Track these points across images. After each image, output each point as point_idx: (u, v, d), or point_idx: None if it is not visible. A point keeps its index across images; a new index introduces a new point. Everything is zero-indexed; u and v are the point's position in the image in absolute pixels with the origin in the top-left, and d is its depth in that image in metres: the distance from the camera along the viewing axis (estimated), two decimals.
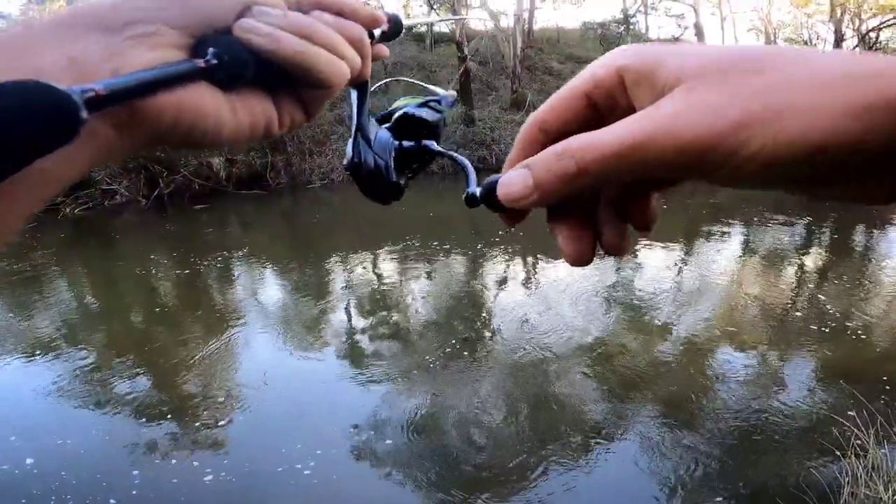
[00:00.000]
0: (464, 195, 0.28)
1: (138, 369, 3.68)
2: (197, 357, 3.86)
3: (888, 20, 15.28)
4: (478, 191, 0.27)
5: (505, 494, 2.47)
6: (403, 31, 0.36)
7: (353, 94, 0.35)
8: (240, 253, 6.50)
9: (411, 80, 0.44)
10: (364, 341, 4.19)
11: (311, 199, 9.81)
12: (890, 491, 1.76)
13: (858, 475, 1.98)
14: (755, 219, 7.46)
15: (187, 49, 0.25)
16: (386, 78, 0.49)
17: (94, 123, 0.20)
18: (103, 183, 9.89)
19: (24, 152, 0.17)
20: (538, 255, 6.06)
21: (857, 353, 3.49)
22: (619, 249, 0.24)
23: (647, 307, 4.64)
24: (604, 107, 0.23)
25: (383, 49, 0.34)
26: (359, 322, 4.59)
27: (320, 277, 5.81)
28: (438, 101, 0.40)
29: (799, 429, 2.90)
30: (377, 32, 0.33)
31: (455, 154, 0.38)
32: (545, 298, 4.85)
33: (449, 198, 8.10)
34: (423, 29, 19.49)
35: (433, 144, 0.38)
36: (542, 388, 3.38)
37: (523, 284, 5.38)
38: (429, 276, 5.58)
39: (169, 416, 3.11)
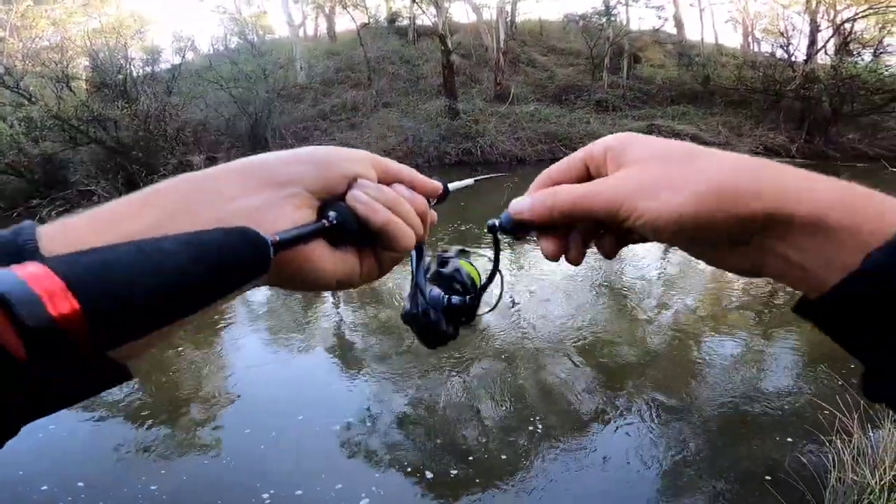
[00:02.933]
0: (488, 224, 0.38)
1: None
2: (186, 358, 3.80)
3: (862, 11, 15.58)
4: (497, 222, 0.37)
5: (499, 485, 2.49)
6: (449, 194, 0.42)
7: (413, 255, 0.42)
8: None
9: (462, 248, 0.52)
10: (355, 337, 4.17)
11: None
12: (877, 476, 1.81)
13: (845, 460, 2.03)
14: None
15: (315, 209, 0.32)
16: None
17: None
18: (80, 184, 9.64)
19: (238, 281, 0.23)
20: (529, 251, 6.08)
21: None
22: (572, 261, 0.36)
23: (634, 297, 4.69)
24: (593, 170, 0.34)
25: (434, 215, 0.40)
26: (349, 318, 4.56)
27: None
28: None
29: (784, 414, 2.97)
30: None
31: (491, 282, 0.46)
32: (535, 292, 4.88)
33: None
34: (406, 22, 19.30)
35: (471, 300, 0.45)
36: (533, 379, 3.41)
37: (512, 278, 5.40)
38: None
39: (161, 420, 3.05)
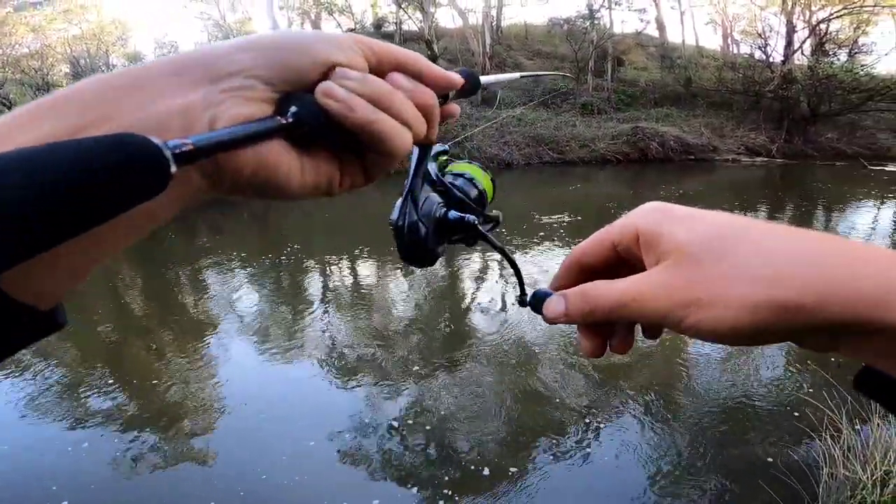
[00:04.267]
0: (518, 298, 0.36)
1: (114, 382, 3.55)
2: (176, 367, 3.75)
3: (837, 11, 15.98)
4: (528, 298, 0.34)
5: (494, 489, 2.50)
6: (482, 88, 0.36)
7: (415, 152, 0.35)
8: (210, 260, 6.34)
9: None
10: (347, 344, 4.15)
11: (283, 202, 9.57)
12: (868, 471, 1.87)
13: (836, 456, 2.09)
14: (720, 208, 7.73)
15: (273, 104, 0.27)
16: None
17: (186, 170, 0.21)
18: None
19: (118, 202, 0.18)
20: (518, 256, 6.12)
21: None
22: (618, 352, 0.33)
23: None
24: (624, 253, 0.31)
25: (454, 108, 0.34)
26: (340, 325, 4.54)
27: (296, 282, 5.72)
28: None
29: (775, 411, 3.03)
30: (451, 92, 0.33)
31: (504, 249, 0.38)
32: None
33: None
34: (392, 28, 19.32)
35: (477, 223, 0.38)
36: (525, 383, 3.43)
37: (503, 283, 5.44)
38: (410, 277, 5.57)
39: (151, 428, 3.01)
